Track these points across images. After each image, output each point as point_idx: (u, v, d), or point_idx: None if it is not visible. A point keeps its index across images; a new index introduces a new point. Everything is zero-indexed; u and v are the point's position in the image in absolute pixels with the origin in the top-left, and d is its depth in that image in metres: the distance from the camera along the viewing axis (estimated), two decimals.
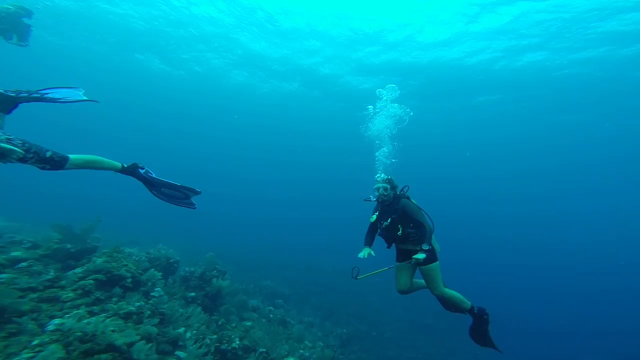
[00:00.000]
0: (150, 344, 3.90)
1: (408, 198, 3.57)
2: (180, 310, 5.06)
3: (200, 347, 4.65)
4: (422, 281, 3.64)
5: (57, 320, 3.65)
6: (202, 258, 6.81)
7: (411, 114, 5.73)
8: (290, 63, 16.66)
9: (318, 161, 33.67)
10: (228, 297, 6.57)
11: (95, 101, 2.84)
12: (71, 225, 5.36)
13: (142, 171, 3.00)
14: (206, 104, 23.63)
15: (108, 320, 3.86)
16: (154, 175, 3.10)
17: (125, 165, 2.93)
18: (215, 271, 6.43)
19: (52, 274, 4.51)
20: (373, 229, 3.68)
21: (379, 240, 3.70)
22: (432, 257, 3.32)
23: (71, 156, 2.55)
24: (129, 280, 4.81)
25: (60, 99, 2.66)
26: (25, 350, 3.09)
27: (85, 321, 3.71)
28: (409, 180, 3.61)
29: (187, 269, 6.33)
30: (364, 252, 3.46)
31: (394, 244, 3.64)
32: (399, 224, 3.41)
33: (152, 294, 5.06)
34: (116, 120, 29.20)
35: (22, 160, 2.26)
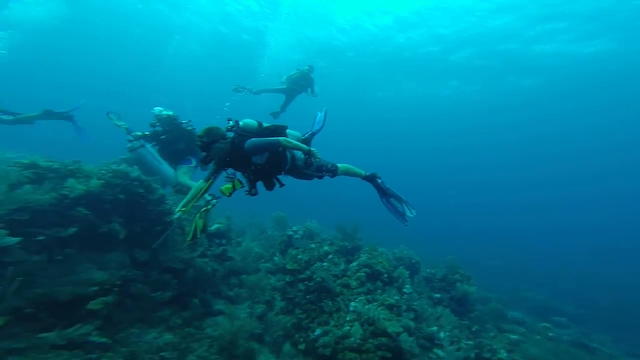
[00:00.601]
0: (411, 337, 4.60)
1: None
2: (429, 309, 5.53)
3: (458, 349, 4.78)
4: None
5: (353, 303, 5.02)
6: (441, 261, 7.00)
7: None
8: None
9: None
10: (477, 303, 6.24)
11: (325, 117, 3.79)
12: (345, 227, 7.31)
13: (379, 181, 3.59)
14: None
15: (379, 309, 4.87)
16: (387, 186, 3.62)
17: (368, 174, 3.57)
18: (458, 275, 6.36)
19: (342, 266, 6.36)
20: None
21: None
22: None
23: (339, 165, 3.35)
24: (385, 275, 5.85)
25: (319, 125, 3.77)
26: (346, 323, 4.65)
27: (366, 307, 4.88)
28: None
29: (428, 270, 6.74)
30: None
31: None
32: None
33: (403, 290, 5.94)
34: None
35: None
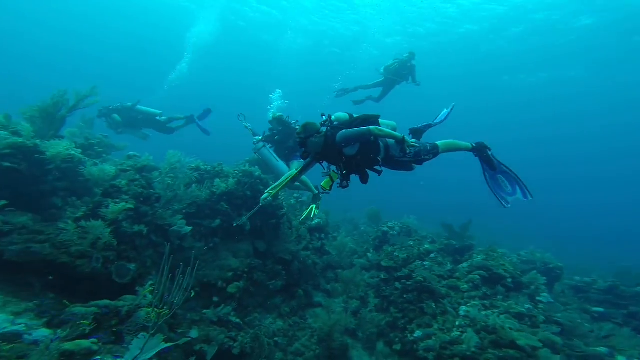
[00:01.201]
0: (558, 355, 3.76)
1: None
2: (586, 325, 4.38)
3: None
4: None
5: (464, 308, 4.53)
6: (602, 269, 5.45)
7: None
8: None
9: None
10: None
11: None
12: (452, 225, 6.70)
13: (489, 152, 3.20)
14: None
15: (502, 316, 4.22)
16: (499, 160, 3.18)
17: (474, 145, 3.22)
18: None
19: (449, 266, 5.82)
20: None
21: None
22: None
23: (439, 143, 3.07)
24: (509, 280, 4.98)
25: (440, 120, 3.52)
26: (454, 329, 4.24)
27: (483, 313, 4.31)
28: None
29: (577, 278, 5.37)
30: None
31: None
32: None
33: (538, 298, 4.92)
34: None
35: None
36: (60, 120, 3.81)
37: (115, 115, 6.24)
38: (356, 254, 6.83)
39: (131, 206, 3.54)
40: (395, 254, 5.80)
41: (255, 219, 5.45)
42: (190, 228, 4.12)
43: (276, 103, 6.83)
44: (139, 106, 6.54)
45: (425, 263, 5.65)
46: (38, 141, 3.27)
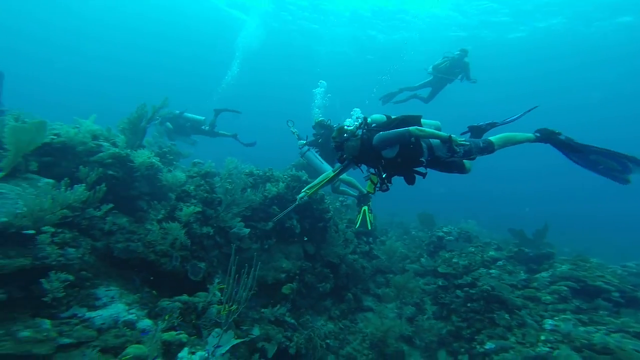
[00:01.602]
0: None
1: None
2: None
3: None
4: None
5: (550, 321, 4.12)
6: None
7: None
8: None
9: None
10: None
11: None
12: (523, 231, 6.18)
13: (561, 137, 2.85)
14: None
15: (616, 335, 3.69)
16: (577, 141, 2.82)
17: (538, 134, 2.90)
18: None
19: (522, 275, 5.31)
20: None
21: None
22: None
23: (492, 139, 2.82)
24: (615, 294, 4.43)
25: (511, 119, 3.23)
26: (539, 343, 3.84)
27: (582, 329, 3.84)
28: None
29: None
30: None
31: None
32: None
33: None
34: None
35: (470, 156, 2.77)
36: (142, 130, 4.37)
37: (168, 123, 6.69)
38: (407, 258, 6.72)
39: (199, 209, 3.91)
40: (454, 260, 5.65)
41: (304, 221, 5.64)
42: (248, 230, 4.42)
43: (319, 97, 6.84)
44: (185, 114, 6.95)
45: (492, 271, 5.37)
46: (129, 151, 3.79)
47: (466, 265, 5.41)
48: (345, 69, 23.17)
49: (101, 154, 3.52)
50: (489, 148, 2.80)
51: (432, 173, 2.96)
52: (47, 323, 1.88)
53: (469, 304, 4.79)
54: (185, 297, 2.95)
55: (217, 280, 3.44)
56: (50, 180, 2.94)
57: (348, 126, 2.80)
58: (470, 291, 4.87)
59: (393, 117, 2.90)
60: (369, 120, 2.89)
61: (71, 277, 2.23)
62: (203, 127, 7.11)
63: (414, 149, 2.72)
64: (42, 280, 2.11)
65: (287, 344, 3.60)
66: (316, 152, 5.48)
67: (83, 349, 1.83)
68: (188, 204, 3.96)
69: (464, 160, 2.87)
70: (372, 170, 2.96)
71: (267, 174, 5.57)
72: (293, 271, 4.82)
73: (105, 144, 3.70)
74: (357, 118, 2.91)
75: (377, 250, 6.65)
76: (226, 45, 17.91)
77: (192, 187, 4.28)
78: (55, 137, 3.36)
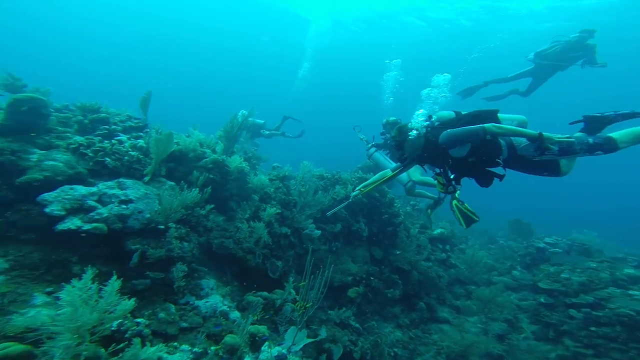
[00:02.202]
0: None
1: None
2: None
3: None
4: None
5: None
6: None
7: None
8: None
9: None
10: None
11: None
12: None
13: None
14: None
15: None
16: None
17: None
18: None
19: None
20: None
21: None
22: None
23: (614, 135, 2.34)
24: None
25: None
26: None
27: None
28: None
29: None
30: None
31: None
32: None
33: None
34: None
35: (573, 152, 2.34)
36: (234, 138, 5.03)
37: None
38: (494, 270, 6.21)
39: (279, 210, 4.32)
40: (564, 275, 5.05)
41: (371, 225, 5.63)
42: (319, 232, 4.68)
43: (391, 82, 6.44)
44: (250, 118, 7.35)
45: (633, 292, 4.62)
46: (224, 156, 4.44)
47: (583, 283, 4.77)
48: (419, 61, 21.41)
49: (205, 159, 4.24)
50: (605, 146, 2.32)
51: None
52: (172, 308, 2.47)
53: (593, 328, 4.24)
54: (265, 293, 3.37)
55: (292, 280, 3.79)
56: (172, 183, 3.72)
57: (410, 125, 2.72)
58: (596, 313, 4.31)
59: (464, 113, 2.71)
60: (434, 117, 2.78)
61: (186, 268, 2.83)
62: (262, 130, 7.65)
63: (491, 147, 2.47)
64: (173, 269, 2.74)
65: (352, 347, 3.74)
66: (386, 153, 5.34)
67: (195, 333, 2.34)
68: (269, 205, 4.42)
69: (561, 160, 2.43)
70: (436, 170, 2.85)
71: (335, 176, 5.73)
72: (359, 275, 4.91)
73: (207, 150, 4.43)
74: (421, 115, 2.80)
75: (455, 259, 6.24)
76: (293, 49, 18.23)
77: (272, 190, 4.75)
78: (176, 145, 4.19)
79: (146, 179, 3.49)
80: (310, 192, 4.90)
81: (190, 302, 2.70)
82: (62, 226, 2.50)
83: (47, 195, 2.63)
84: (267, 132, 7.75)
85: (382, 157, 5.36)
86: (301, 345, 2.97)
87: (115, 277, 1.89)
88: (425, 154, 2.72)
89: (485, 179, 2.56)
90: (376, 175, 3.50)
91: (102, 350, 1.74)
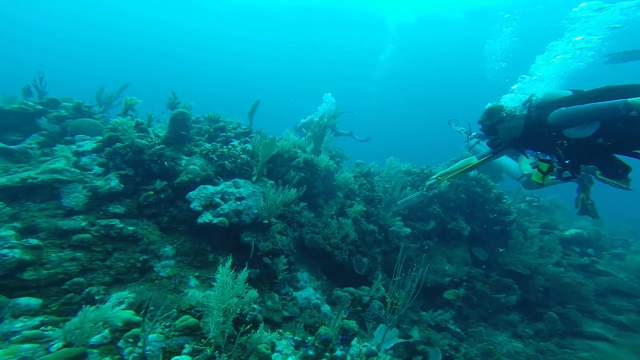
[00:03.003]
0: None
1: None
2: None
3: None
4: None
5: None
6: None
7: None
8: None
9: None
10: None
11: None
12: None
13: None
14: None
15: None
16: None
17: None
18: None
19: None
20: None
21: None
22: None
23: None
24: None
25: None
26: None
27: None
28: None
29: None
30: None
31: None
32: None
33: None
34: None
35: None
36: (321, 137, 5.29)
37: (304, 130, 7.29)
38: None
39: (363, 208, 4.35)
40: None
41: (472, 223, 4.96)
42: (409, 230, 4.47)
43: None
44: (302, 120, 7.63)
45: None
46: (313, 156, 4.75)
47: None
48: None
49: (297, 159, 4.64)
50: None
51: None
52: (276, 297, 2.90)
53: None
54: (352, 289, 3.50)
55: (379, 277, 3.80)
56: (272, 182, 4.25)
57: (504, 105, 2.52)
58: None
59: (585, 90, 2.34)
60: (539, 96, 2.49)
61: (285, 261, 3.25)
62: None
63: (633, 125, 2.04)
64: (276, 260, 3.19)
65: (452, 353, 3.50)
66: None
67: (294, 323, 2.69)
68: (354, 201, 4.50)
69: None
70: (541, 155, 2.55)
71: (425, 171, 5.27)
72: (458, 276, 4.49)
73: (299, 151, 4.82)
74: (520, 94, 2.57)
75: (606, 265, 4.98)
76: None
77: (356, 186, 4.80)
78: (277, 148, 4.72)
79: (253, 178, 4.08)
80: (397, 189, 4.69)
81: (289, 293, 3.09)
82: (200, 219, 3.15)
83: (191, 194, 3.22)
84: (336, 132, 7.84)
85: (484, 149, 4.65)
86: (392, 344, 2.98)
87: (246, 267, 2.30)
88: (527, 137, 2.50)
89: (615, 166, 2.25)
90: (458, 162, 3.25)
91: (234, 330, 2.17)
